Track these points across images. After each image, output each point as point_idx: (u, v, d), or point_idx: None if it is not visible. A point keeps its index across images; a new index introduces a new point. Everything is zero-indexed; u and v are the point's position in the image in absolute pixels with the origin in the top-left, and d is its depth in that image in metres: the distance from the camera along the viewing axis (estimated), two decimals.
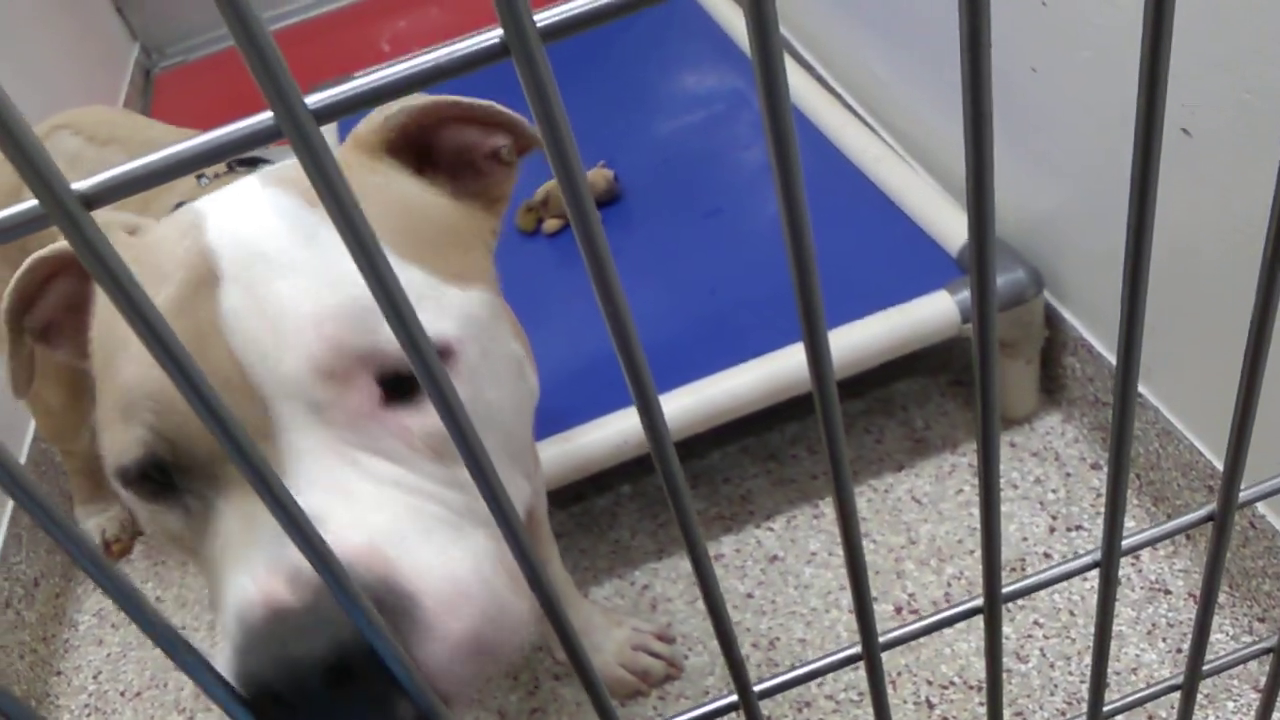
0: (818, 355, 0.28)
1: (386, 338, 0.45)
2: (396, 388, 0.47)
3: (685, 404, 1.04)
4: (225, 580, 0.44)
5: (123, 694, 1.20)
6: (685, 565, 1.15)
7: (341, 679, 0.38)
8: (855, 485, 1.18)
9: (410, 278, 0.48)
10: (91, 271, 0.22)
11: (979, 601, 0.41)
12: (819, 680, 1.01)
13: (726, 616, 0.35)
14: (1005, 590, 0.41)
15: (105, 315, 0.50)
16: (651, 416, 0.28)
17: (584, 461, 1.05)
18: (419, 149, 0.55)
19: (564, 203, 0.24)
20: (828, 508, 1.17)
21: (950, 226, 1.17)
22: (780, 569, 1.12)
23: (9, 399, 1.34)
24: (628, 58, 1.68)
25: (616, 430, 1.05)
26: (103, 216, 0.50)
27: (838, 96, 1.56)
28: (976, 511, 1.12)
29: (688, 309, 1.17)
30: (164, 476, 0.46)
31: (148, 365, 0.45)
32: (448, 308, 0.48)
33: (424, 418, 0.47)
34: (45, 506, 0.25)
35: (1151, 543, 0.45)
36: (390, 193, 0.52)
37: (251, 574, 0.42)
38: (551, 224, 1.34)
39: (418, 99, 0.52)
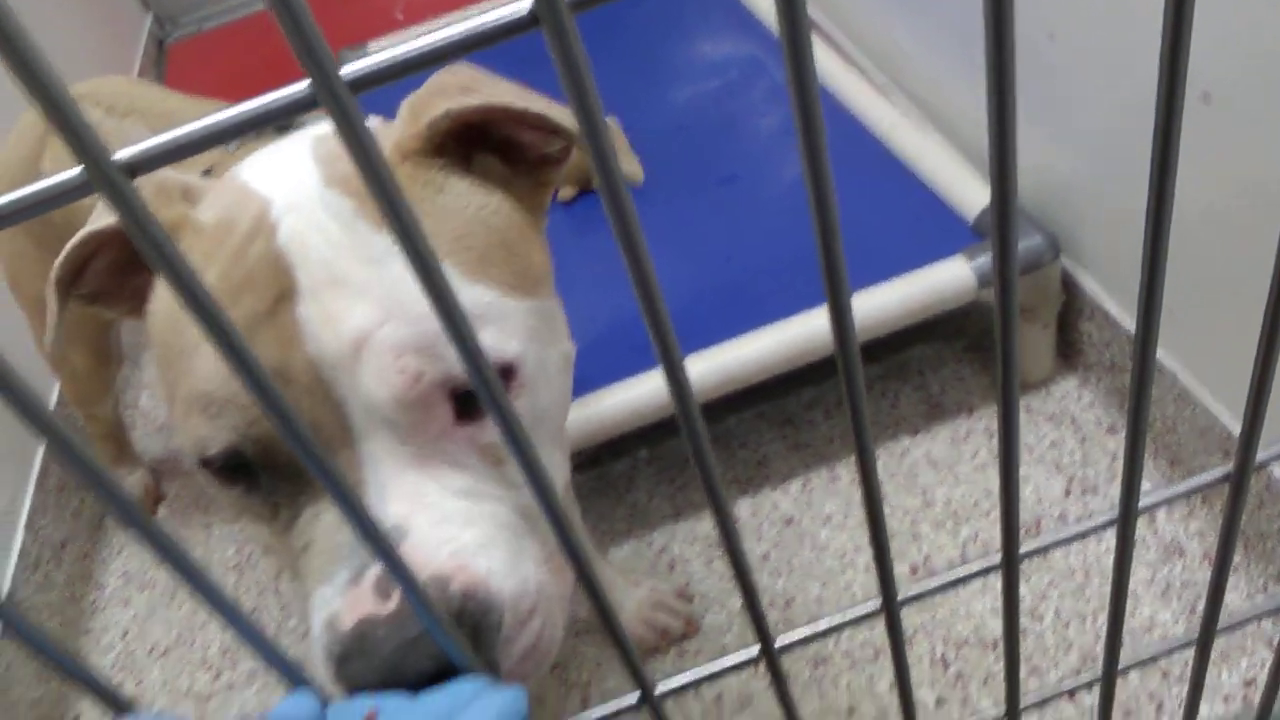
0: (840, 307, 0.29)
1: (458, 361, 0.46)
2: (465, 403, 0.48)
3: (701, 369, 1.05)
4: (313, 586, 0.46)
5: (150, 652, 1.23)
6: (702, 527, 1.17)
7: (431, 682, 0.40)
8: None
9: (474, 296, 0.48)
10: (150, 262, 0.23)
11: (997, 558, 0.42)
12: (835, 638, 1.02)
13: (749, 569, 0.36)
14: (1024, 549, 0.42)
15: (173, 297, 0.51)
16: (676, 375, 0.29)
17: (602, 426, 1.06)
18: (465, 140, 0.54)
19: (590, 169, 0.24)
20: (843, 471, 1.17)
21: (967, 193, 1.17)
22: (796, 531, 1.13)
23: (35, 366, 1.35)
24: (644, 26, 1.67)
25: (634, 395, 1.05)
26: (161, 175, 0.51)
27: (854, 63, 1.55)
28: (992, 475, 1.13)
29: (704, 276, 1.17)
30: (246, 466, 0.48)
31: (228, 373, 0.46)
32: (510, 325, 0.50)
33: (488, 431, 0.49)
34: (89, 463, 0.26)
35: (1168, 501, 0.46)
36: (446, 204, 0.51)
37: (341, 583, 0.44)
38: (566, 191, 1.34)
39: (460, 99, 0.51)
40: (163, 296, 0.52)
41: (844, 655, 1.01)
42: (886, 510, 1.11)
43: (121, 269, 0.56)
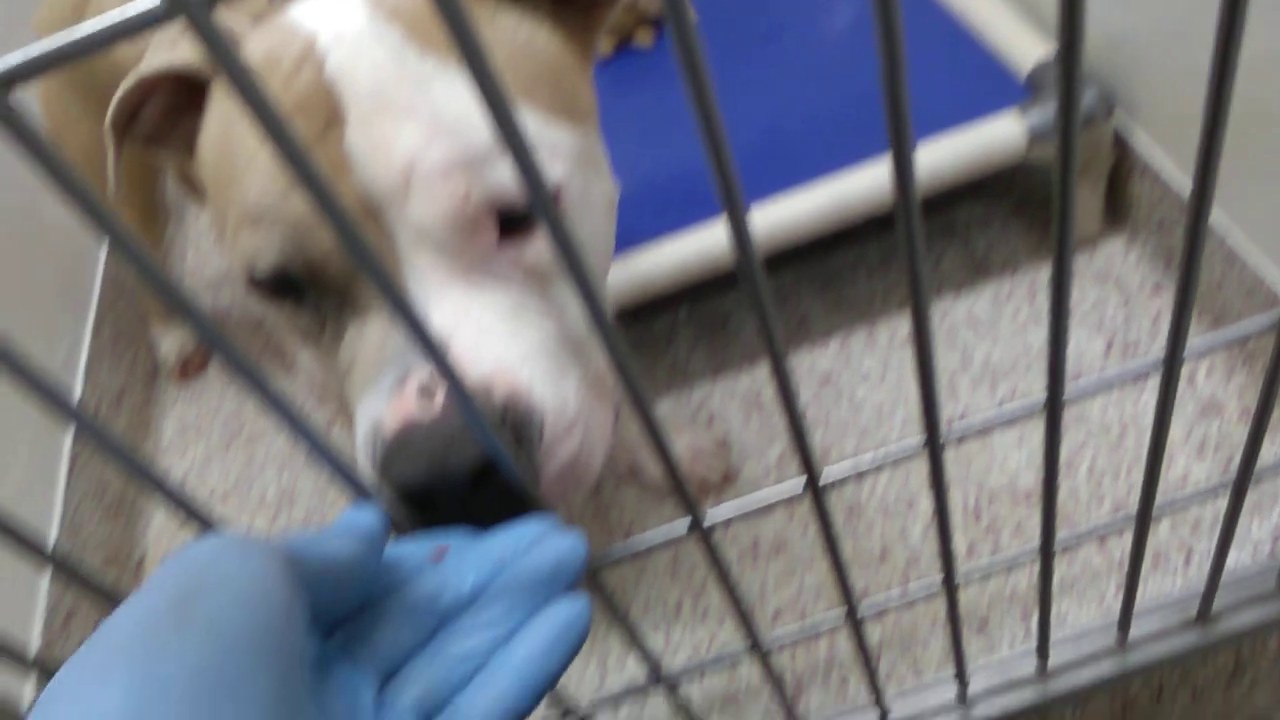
0: (903, 159, 0.29)
1: (506, 182, 0.47)
2: (510, 223, 0.49)
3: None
4: (358, 395, 0.48)
5: (210, 496, 1.29)
6: (740, 384, 1.19)
7: (477, 484, 0.41)
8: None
9: (527, 119, 0.49)
10: (229, 78, 0.24)
11: (1042, 399, 0.43)
12: (870, 486, 1.05)
13: (797, 402, 0.37)
14: (1068, 395, 0.43)
15: (222, 124, 0.52)
16: (738, 219, 0.29)
17: (644, 284, 1.07)
18: None
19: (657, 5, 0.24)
20: (882, 330, 1.18)
21: (1021, 47, 1.13)
22: (834, 388, 1.15)
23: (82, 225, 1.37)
24: None
25: (676, 254, 1.06)
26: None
27: None
28: (1032, 334, 1.13)
29: (747, 134, 1.16)
30: (293, 284, 0.49)
31: (280, 186, 0.47)
32: (558, 150, 0.50)
33: (533, 250, 0.50)
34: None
35: (1214, 348, 0.46)
36: (497, 30, 0.52)
37: (384, 390, 0.46)
38: (605, 44, 1.32)
39: None
40: (213, 127, 0.53)
41: (878, 504, 1.04)
42: None
43: (173, 112, 0.57)
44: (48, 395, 0.29)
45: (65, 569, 0.35)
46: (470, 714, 0.34)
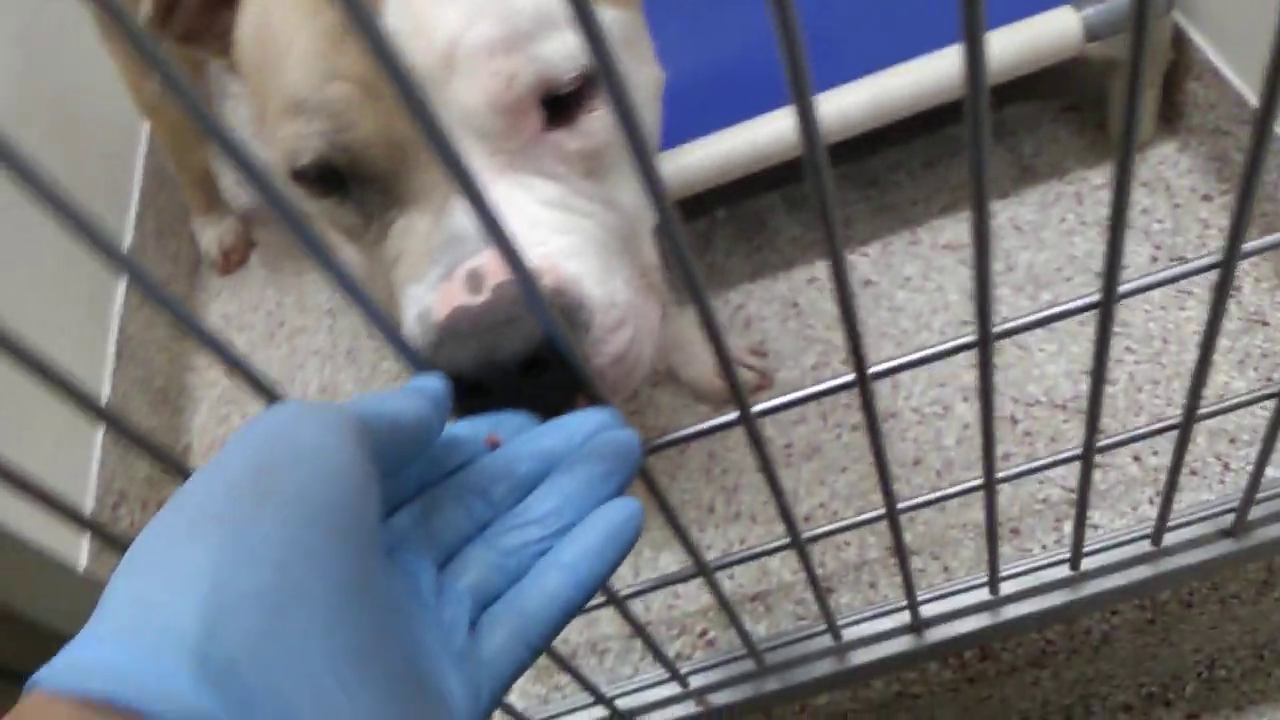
0: (975, 38, 0.28)
1: (552, 62, 0.46)
2: (554, 109, 0.48)
3: (787, 124, 1.03)
4: (404, 286, 0.48)
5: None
6: (778, 287, 1.18)
7: (530, 369, 0.41)
8: (954, 213, 1.17)
9: None
10: None
11: (1096, 296, 0.42)
12: (905, 394, 1.05)
13: (853, 300, 0.37)
14: (1121, 289, 0.42)
15: (259, 12, 0.51)
16: (806, 109, 0.29)
17: (681, 184, 1.05)
18: None
19: None
20: (925, 234, 1.17)
21: None
22: (874, 292, 1.14)
23: (127, 118, 1.38)
24: None
25: (715, 151, 1.04)
26: None
27: None
28: (1078, 240, 1.11)
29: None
30: (337, 177, 0.48)
31: (320, 74, 0.46)
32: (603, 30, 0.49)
33: (582, 138, 0.49)
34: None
35: (1264, 251, 0.45)
36: None
37: (432, 280, 0.46)
38: None
39: None
40: (250, 16, 0.52)
41: (913, 411, 1.04)
42: (965, 273, 1.11)
43: (209, 6, 0.56)
44: (98, 241, 0.29)
45: (117, 426, 0.36)
46: (524, 608, 0.34)
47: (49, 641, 0.52)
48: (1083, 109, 1.20)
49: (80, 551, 1.02)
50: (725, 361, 0.39)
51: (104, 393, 1.20)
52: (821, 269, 1.18)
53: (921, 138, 1.24)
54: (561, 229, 0.47)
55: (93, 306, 1.26)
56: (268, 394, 0.38)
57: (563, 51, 0.46)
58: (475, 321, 0.43)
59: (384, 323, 0.35)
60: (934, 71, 1.02)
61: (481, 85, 0.45)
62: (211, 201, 1.42)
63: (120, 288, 1.30)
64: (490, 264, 0.44)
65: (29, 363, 0.31)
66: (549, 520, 0.36)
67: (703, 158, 1.04)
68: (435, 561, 0.35)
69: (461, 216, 0.45)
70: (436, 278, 0.46)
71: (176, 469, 0.39)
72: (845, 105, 1.03)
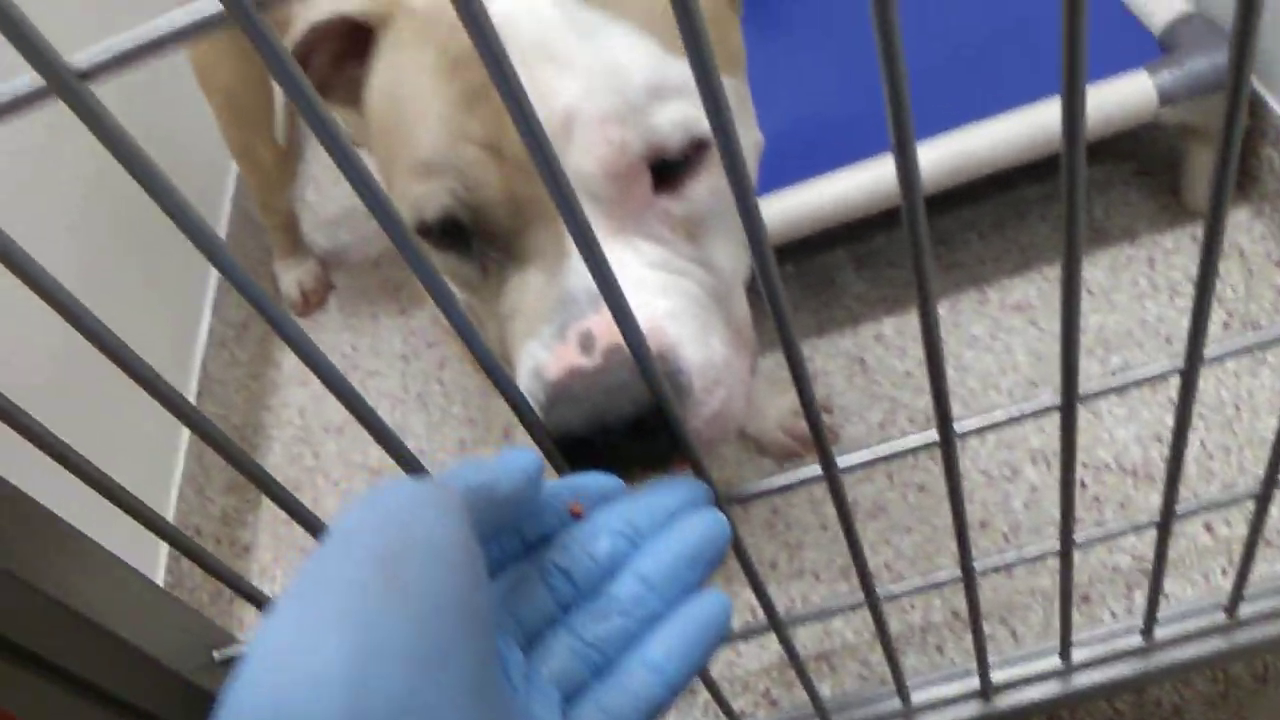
0: (1074, 98, 0.29)
1: (663, 131, 0.48)
2: (662, 175, 0.50)
3: (857, 181, 1.04)
4: (519, 341, 0.50)
5: (325, 429, 1.34)
6: (844, 343, 1.19)
7: (635, 432, 0.43)
8: (1023, 273, 1.17)
9: (679, 70, 0.49)
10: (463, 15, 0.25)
11: (1177, 363, 0.43)
12: (972, 456, 1.05)
13: (940, 349, 0.38)
14: (1207, 353, 0.43)
15: (392, 75, 0.53)
16: (907, 158, 0.30)
17: None
18: None
19: None
20: (994, 293, 1.17)
21: (1155, 2, 1.09)
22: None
23: (216, 163, 1.43)
24: None
25: (789, 207, 1.06)
26: None
27: None
28: (1149, 304, 1.10)
29: (864, 83, 1.15)
30: (460, 233, 0.51)
31: (451, 136, 0.49)
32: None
33: (688, 204, 0.51)
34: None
35: None
36: None
37: (547, 338, 0.48)
38: None
39: None
40: (383, 78, 0.55)
41: (981, 473, 1.04)
42: (1035, 334, 1.11)
43: (341, 60, 0.59)
44: (229, 275, 0.31)
45: (241, 467, 0.38)
46: (610, 708, 0.34)
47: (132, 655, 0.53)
48: (1154, 173, 1.20)
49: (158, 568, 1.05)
50: (814, 420, 0.40)
51: (183, 432, 1.24)
52: (889, 326, 1.18)
53: (993, 198, 1.24)
54: (664, 291, 0.49)
55: (176, 349, 1.30)
56: (382, 440, 0.39)
57: (673, 121, 0.48)
58: (589, 384, 0.45)
59: (496, 369, 0.36)
60: (1011, 131, 1.02)
61: (597, 152, 0.47)
62: (295, 245, 1.47)
63: (203, 329, 1.35)
64: (602, 326, 0.46)
65: (140, 379, 0.33)
66: (635, 609, 0.35)
67: (772, 215, 1.06)
68: (520, 645, 0.35)
69: (574, 276, 0.48)
70: (550, 336, 0.48)
71: (304, 523, 0.40)
72: (925, 162, 1.04)
